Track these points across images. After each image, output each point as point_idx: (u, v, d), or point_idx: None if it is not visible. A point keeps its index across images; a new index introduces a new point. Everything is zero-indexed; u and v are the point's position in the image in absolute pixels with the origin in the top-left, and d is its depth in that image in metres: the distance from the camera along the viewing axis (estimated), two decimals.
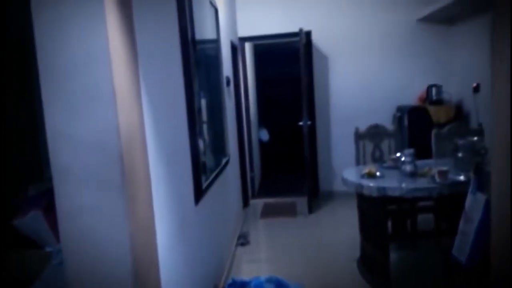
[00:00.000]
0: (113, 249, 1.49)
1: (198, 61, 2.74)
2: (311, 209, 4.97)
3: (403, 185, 2.75)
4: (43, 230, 2.30)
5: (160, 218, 1.83)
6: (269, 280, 2.83)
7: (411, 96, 5.12)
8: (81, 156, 1.44)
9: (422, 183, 2.80)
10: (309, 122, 5.02)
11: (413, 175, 2.94)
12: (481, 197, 1.90)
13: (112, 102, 1.41)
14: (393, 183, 2.82)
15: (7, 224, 2.30)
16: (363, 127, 3.97)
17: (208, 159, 2.91)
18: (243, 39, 5.50)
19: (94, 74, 1.41)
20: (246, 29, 5.39)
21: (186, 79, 2.43)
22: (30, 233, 2.31)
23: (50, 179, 1.75)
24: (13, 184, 2.57)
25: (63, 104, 1.44)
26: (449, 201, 3.09)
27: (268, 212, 5.18)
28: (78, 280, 1.51)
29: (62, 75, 1.43)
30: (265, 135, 7.29)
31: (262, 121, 7.40)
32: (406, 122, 4.75)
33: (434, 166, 2.99)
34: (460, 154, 2.95)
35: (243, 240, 4.15)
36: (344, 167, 3.89)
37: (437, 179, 2.72)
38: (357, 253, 3.49)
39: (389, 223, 3.41)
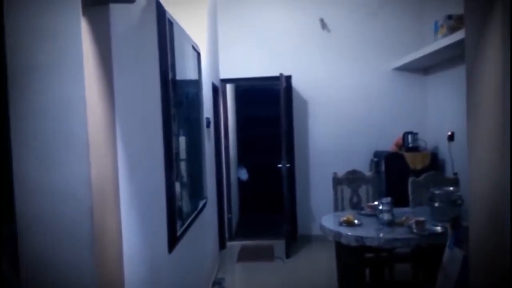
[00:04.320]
0: None
1: (179, 103, 2.73)
2: (288, 253, 4.88)
3: (381, 235, 2.74)
4: (10, 276, 2.17)
5: (130, 270, 1.74)
6: None
7: (387, 142, 5.21)
8: (49, 206, 1.37)
9: (399, 233, 2.79)
10: (287, 165, 5.02)
11: (390, 224, 2.93)
12: (459, 253, 1.89)
13: (86, 152, 1.36)
14: (371, 233, 2.80)
15: None
16: (341, 171, 3.99)
17: (184, 203, 2.84)
18: (225, 81, 5.56)
19: (69, 121, 1.37)
20: (228, 70, 5.46)
21: (165, 122, 2.40)
22: None
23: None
24: None
25: (33, 150, 1.38)
26: (426, 251, 3.08)
27: (245, 255, 5.06)
28: None
29: (34, 120, 1.38)
30: (244, 174, 7.25)
31: (242, 160, 7.38)
32: (383, 167, 4.80)
33: (411, 215, 3.00)
34: (436, 204, 2.97)
35: (218, 286, 4.01)
36: (323, 211, 3.88)
37: (415, 229, 2.72)
38: None
39: (367, 271, 3.36)
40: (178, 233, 2.52)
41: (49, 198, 1.38)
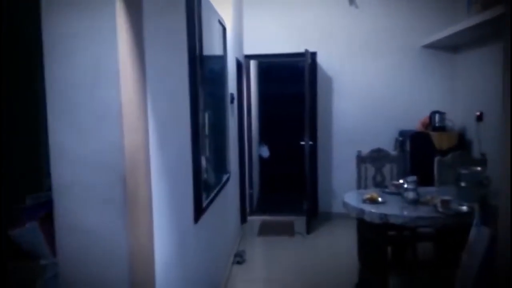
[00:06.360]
0: (110, 268, 1.46)
1: (204, 78, 2.74)
2: (309, 230, 4.92)
3: (405, 213, 2.73)
4: (39, 242, 2.26)
5: (159, 237, 1.80)
6: None
7: (413, 121, 5.12)
8: (83, 174, 1.42)
9: (424, 211, 2.77)
10: (310, 142, 5.01)
11: (415, 202, 2.91)
12: (486, 231, 1.87)
13: (119, 121, 1.39)
14: (395, 210, 2.79)
15: (4, 234, 2.26)
16: (364, 150, 3.96)
17: (209, 176, 2.89)
18: (249, 57, 5.53)
19: (102, 91, 1.40)
20: (252, 46, 5.42)
21: (192, 97, 2.42)
22: (26, 244, 2.27)
23: (48, 189, 1.72)
24: (11, 194, 2.53)
25: (68, 120, 1.42)
26: (450, 231, 3.07)
27: (265, 230, 5.14)
28: None
29: (69, 90, 1.42)
30: (265, 152, 7.27)
31: (263, 138, 7.40)
32: (408, 147, 4.74)
33: (436, 195, 2.97)
34: (463, 184, 2.93)
35: (239, 258, 4.10)
36: (344, 189, 3.87)
37: (440, 208, 2.69)
38: (355, 278, 3.44)
39: (389, 249, 3.37)
40: (204, 205, 2.58)
41: (84, 166, 1.43)
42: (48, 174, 1.55)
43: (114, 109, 1.40)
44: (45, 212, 2.25)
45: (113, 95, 1.39)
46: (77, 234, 1.45)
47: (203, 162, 2.64)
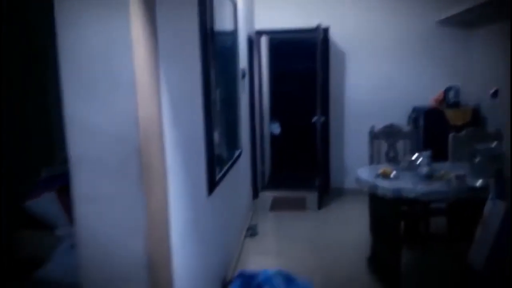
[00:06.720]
0: (127, 238, 1.49)
1: (216, 53, 2.72)
2: (321, 205, 4.95)
3: (419, 187, 2.71)
4: (56, 212, 2.30)
5: (174, 208, 1.82)
6: (278, 274, 2.82)
7: (427, 98, 5.04)
8: (98, 145, 1.43)
9: (438, 186, 2.75)
10: (322, 118, 4.97)
11: (429, 177, 2.89)
12: (501, 205, 1.86)
13: (132, 93, 1.39)
14: (409, 185, 2.77)
15: (19, 205, 2.31)
16: (377, 126, 3.92)
17: (221, 151, 2.90)
18: (260, 32, 5.45)
19: (115, 64, 1.39)
20: (263, 22, 5.33)
21: (204, 72, 2.41)
22: (43, 215, 2.32)
23: (63, 162, 1.75)
24: (26, 167, 2.58)
25: (83, 93, 1.43)
26: (463, 206, 3.05)
27: (277, 205, 5.17)
28: (90, 264, 1.52)
29: (82, 63, 1.41)
30: (276, 128, 7.24)
31: (275, 114, 7.36)
32: (421, 123, 4.68)
33: (450, 170, 2.94)
34: (477, 159, 2.89)
35: (252, 231, 4.15)
36: (357, 165, 3.86)
37: (454, 183, 2.67)
38: (366, 251, 3.47)
39: (401, 225, 3.37)
40: (217, 178, 2.60)
41: (99, 137, 1.44)
42: (61, 148, 1.57)
43: (127, 80, 1.39)
44: (60, 184, 2.29)
45: (127, 68, 1.39)
46: (94, 204, 1.47)
47: (216, 136, 2.65)
